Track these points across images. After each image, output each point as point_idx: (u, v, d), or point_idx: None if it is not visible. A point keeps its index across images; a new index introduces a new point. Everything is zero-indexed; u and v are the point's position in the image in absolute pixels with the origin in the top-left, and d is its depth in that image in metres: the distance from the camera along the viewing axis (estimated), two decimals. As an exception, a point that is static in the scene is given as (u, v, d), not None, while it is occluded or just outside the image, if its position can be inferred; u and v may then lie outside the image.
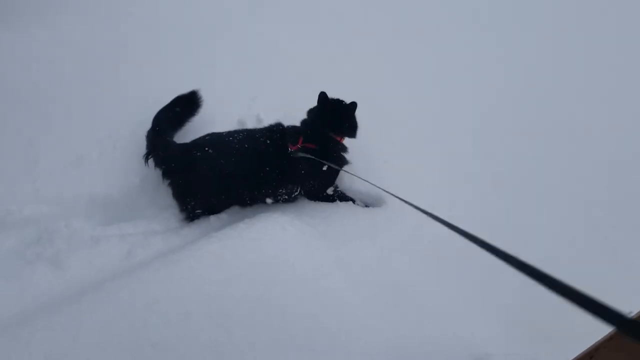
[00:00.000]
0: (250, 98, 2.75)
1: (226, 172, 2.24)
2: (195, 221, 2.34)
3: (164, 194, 2.37)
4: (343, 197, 2.53)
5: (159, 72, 2.78)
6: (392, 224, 2.31)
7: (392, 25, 3.53)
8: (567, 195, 2.51)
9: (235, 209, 2.41)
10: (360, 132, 2.44)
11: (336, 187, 2.53)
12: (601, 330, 1.44)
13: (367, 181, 2.04)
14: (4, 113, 2.47)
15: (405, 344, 1.78)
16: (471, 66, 3.26)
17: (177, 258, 1.88)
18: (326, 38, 3.30)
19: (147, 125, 2.38)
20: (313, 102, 2.39)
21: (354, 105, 2.39)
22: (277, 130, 2.34)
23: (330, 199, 2.52)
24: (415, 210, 2.25)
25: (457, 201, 2.42)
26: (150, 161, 2.33)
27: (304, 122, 2.40)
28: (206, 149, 2.26)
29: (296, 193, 2.40)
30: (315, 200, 2.51)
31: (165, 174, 2.30)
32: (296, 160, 2.27)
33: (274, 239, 2.02)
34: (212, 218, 2.34)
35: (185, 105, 2.53)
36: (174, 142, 2.39)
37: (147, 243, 2.13)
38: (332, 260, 2.06)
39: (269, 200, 2.39)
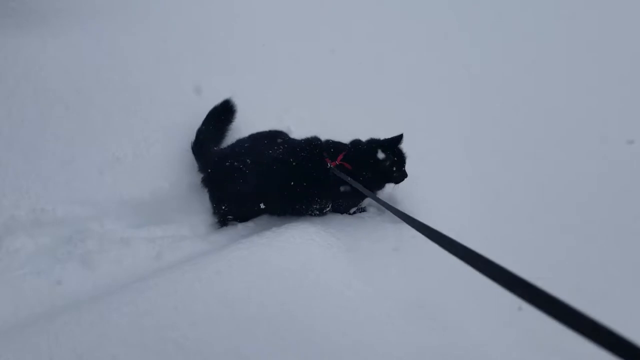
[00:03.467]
0: (282, 110, 2.79)
1: (260, 181, 2.27)
2: (224, 228, 2.37)
3: (194, 199, 2.41)
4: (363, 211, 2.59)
5: (195, 78, 2.84)
6: (418, 241, 2.27)
7: (429, 43, 3.56)
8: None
9: (263, 218, 2.43)
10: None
11: (360, 206, 2.59)
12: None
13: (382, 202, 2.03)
14: (44, 115, 2.53)
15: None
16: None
17: (205, 262, 1.90)
18: (361, 58, 3.35)
19: (181, 129, 2.46)
20: (342, 119, 2.42)
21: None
22: (315, 145, 2.35)
23: (352, 214, 2.56)
24: (441, 229, 2.26)
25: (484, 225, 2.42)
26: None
27: (355, 142, 2.42)
28: (242, 157, 2.30)
29: (327, 209, 2.41)
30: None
31: (204, 181, 2.37)
32: (332, 177, 2.27)
33: (301, 249, 2.03)
34: (240, 226, 2.37)
35: (221, 115, 2.61)
36: (213, 149, 2.47)
37: (175, 247, 2.16)
38: (358, 273, 2.04)
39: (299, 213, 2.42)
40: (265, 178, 2.26)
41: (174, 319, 1.66)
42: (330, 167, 2.26)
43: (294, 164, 2.27)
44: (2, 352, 1.51)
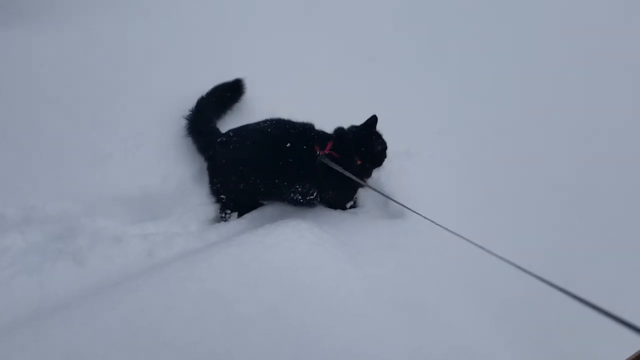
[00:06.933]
0: (273, 106, 2.76)
1: (247, 157, 2.29)
2: (216, 225, 2.36)
3: (185, 196, 2.42)
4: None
5: (185, 75, 2.83)
6: (411, 237, 2.28)
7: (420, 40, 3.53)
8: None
9: (255, 215, 2.42)
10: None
11: (355, 201, 2.57)
12: (623, 352, 1.42)
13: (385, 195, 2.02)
14: (33, 112, 2.51)
15: (422, 357, 1.75)
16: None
17: (197, 259, 1.88)
18: (352, 56, 3.33)
19: (171, 125, 2.47)
20: (332, 116, 2.42)
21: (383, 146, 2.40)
22: (309, 129, 2.35)
23: (348, 208, 2.55)
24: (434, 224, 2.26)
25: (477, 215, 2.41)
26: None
27: (339, 130, 2.39)
28: (233, 134, 2.35)
29: (312, 197, 2.36)
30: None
31: (206, 159, 2.43)
32: (319, 164, 2.26)
33: (293, 246, 2.01)
34: (233, 223, 2.36)
35: (228, 93, 2.67)
36: (216, 128, 2.52)
37: (168, 244, 2.14)
38: (350, 270, 2.03)
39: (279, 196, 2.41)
40: (254, 150, 2.28)
41: (165, 319, 1.65)
42: (319, 155, 2.24)
43: (283, 140, 2.27)
44: (-9, 353, 1.50)
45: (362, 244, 2.22)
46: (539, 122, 2.93)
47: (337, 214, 2.48)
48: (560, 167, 2.66)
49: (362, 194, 2.61)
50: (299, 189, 2.31)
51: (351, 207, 2.58)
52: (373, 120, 2.32)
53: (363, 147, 2.32)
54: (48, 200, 2.25)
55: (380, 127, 2.39)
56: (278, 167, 2.27)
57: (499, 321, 1.91)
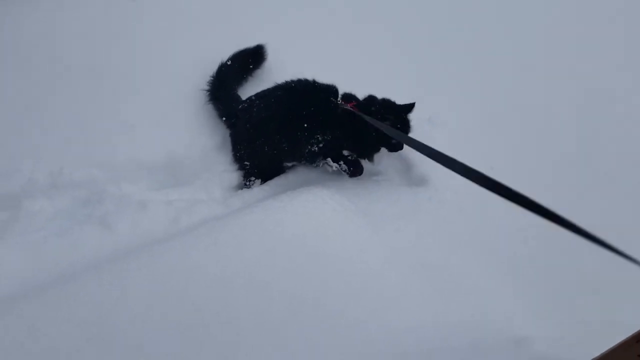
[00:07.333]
0: (295, 73, 2.72)
1: (272, 114, 2.31)
2: (239, 192, 2.39)
3: (209, 163, 2.43)
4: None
5: (208, 44, 2.79)
6: (433, 204, 2.27)
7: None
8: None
9: (278, 182, 2.44)
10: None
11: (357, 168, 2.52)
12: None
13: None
14: (58, 82, 2.54)
15: (441, 324, 1.76)
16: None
17: (221, 225, 1.91)
18: (377, 26, 3.27)
19: (194, 96, 2.48)
20: (353, 84, 2.42)
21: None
22: (332, 86, 2.38)
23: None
24: (457, 191, 2.24)
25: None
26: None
27: (371, 96, 2.40)
28: (256, 98, 2.39)
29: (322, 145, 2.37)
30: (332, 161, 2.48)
31: (227, 126, 2.46)
32: (341, 111, 2.28)
33: (315, 213, 2.03)
34: (256, 189, 2.38)
35: (249, 59, 2.68)
36: (237, 95, 2.56)
37: (192, 210, 2.16)
38: (372, 237, 2.04)
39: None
40: (279, 106, 2.32)
41: (190, 282, 1.69)
42: (342, 104, 2.28)
43: (307, 93, 2.33)
44: (23, 313, 1.55)
45: (383, 212, 2.22)
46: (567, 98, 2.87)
47: (358, 182, 2.47)
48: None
49: (384, 162, 2.58)
50: (319, 137, 2.33)
51: (323, 164, 2.49)
52: (411, 106, 2.33)
53: (388, 120, 2.29)
54: (75, 166, 2.29)
55: (404, 95, 2.38)
56: (302, 118, 2.29)
57: (520, 288, 1.92)
